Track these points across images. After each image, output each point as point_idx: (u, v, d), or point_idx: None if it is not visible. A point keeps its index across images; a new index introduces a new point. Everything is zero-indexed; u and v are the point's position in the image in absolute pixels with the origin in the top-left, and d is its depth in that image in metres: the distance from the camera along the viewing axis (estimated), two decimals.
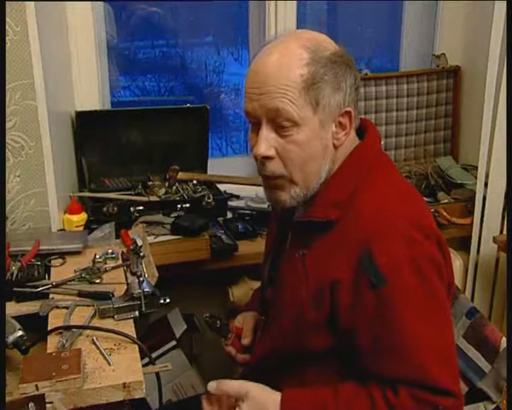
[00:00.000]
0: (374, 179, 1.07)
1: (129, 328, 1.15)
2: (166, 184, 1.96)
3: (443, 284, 1.03)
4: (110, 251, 1.46)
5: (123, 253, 1.46)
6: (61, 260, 1.45)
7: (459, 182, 2.18)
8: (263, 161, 1.06)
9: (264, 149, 1.04)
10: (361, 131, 1.13)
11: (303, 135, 1.02)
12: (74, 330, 1.13)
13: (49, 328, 1.14)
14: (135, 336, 1.12)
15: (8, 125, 1.55)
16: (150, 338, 1.79)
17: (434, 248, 1.03)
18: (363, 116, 1.17)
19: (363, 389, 1.02)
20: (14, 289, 1.28)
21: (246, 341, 1.29)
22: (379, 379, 1.01)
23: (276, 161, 1.05)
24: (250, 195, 2.10)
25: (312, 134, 1.03)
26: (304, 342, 1.09)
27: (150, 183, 1.93)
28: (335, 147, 1.07)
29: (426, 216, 1.08)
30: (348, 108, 1.05)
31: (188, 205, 1.85)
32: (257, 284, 1.52)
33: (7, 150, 1.57)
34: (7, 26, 1.48)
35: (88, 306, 1.23)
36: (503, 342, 1.25)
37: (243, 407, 1.06)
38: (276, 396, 1.05)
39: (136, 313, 1.18)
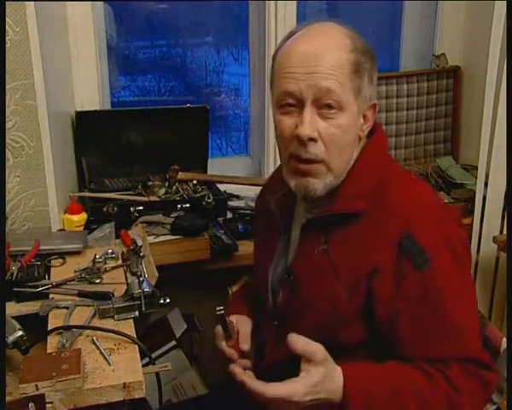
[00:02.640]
0: (394, 171, 1.13)
1: (129, 328, 1.15)
2: (166, 184, 1.96)
3: (469, 259, 1.09)
4: (110, 251, 1.46)
5: (123, 253, 1.46)
6: (61, 260, 1.45)
7: (459, 182, 2.18)
8: (306, 142, 1.03)
9: (310, 130, 1.02)
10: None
11: (345, 120, 1.03)
12: (74, 330, 1.13)
13: (49, 328, 1.14)
14: (135, 336, 1.12)
15: (8, 125, 1.55)
16: (150, 338, 1.79)
17: (459, 228, 1.09)
18: None
19: (413, 366, 1.01)
20: (14, 289, 1.28)
21: (245, 346, 1.24)
22: (426, 361, 1.02)
23: (319, 145, 1.04)
24: (250, 195, 2.10)
25: (352, 120, 1.04)
26: (336, 337, 1.07)
27: (150, 183, 1.93)
28: (359, 138, 1.09)
29: (441, 199, 1.17)
30: (375, 101, 1.09)
31: (188, 205, 1.85)
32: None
33: (7, 150, 1.57)
34: (7, 26, 1.48)
35: (88, 306, 1.23)
36: (504, 342, 1.25)
37: (315, 373, 0.98)
38: (337, 367, 1.00)
39: (136, 313, 1.18)
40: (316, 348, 1.00)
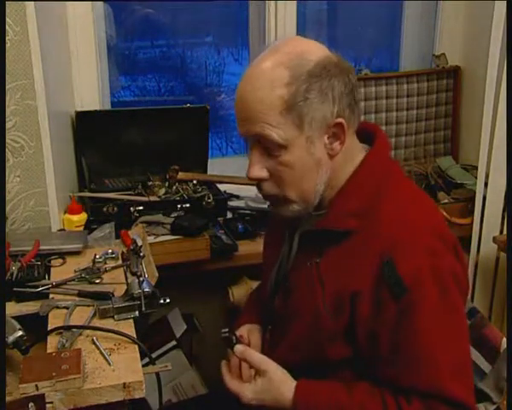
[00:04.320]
0: (392, 189, 1.06)
1: (129, 328, 1.15)
2: (166, 184, 1.96)
3: (461, 296, 1.04)
4: (110, 251, 1.46)
5: (123, 253, 1.46)
6: (61, 260, 1.45)
7: (459, 182, 2.18)
8: (256, 182, 1.06)
9: (256, 171, 1.04)
10: (367, 135, 1.11)
11: (290, 156, 1.01)
12: (74, 330, 1.13)
13: (49, 328, 1.14)
14: (135, 336, 1.12)
15: (8, 125, 1.55)
16: (150, 338, 1.79)
17: (454, 259, 1.03)
18: (371, 121, 1.14)
19: (377, 392, 1.02)
20: (14, 289, 1.28)
21: None
22: (394, 388, 1.01)
23: (270, 182, 1.05)
24: (250, 195, 2.10)
25: (301, 152, 1.01)
26: (319, 353, 1.08)
27: (150, 183, 1.93)
28: (331, 156, 1.04)
29: (443, 224, 1.08)
30: (338, 120, 1.01)
31: (188, 205, 1.85)
32: (257, 285, 1.52)
33: (7, 150, 1.57)
34: (7, 26, 1.48)
35: (88, 306, 1.23)
36: (504, 342, 1.25)
37: (258, 382, 1.08)
38: (292, 383, 1.06)
39: (136, 313, 1.18)
40: (259, 359, 1.08)
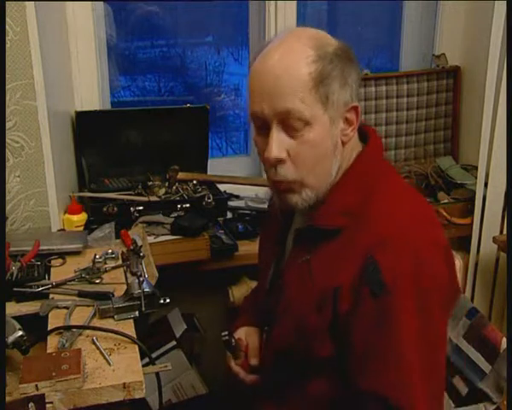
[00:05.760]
0: (383, 188, 1.06)
1: (129, 328, 1.15)
2: (166, 184, 1.96)
3: (440, 305, 1.01)
4: (110, 251, 1.46)
5: (123, 253, 1.46)
6: (61, 260, 1.45)
7: (459, 182, 2.18)
8: (274, 164, 1.03)
9: (277, 151, 1.01)
10: (362, 136, 1.12)
11: (315, 134, 1.00)
12: (74, 330, 1.13)
13: (49, 328, 1.14)
14: (135, 336, 1.12)
15: (8, 125, 1.55)
16: (150, 338, 1.79)
17: (441, 264, 1.01)
18: (371, 121, 1.15)
19: None
20: (14, 289, 1.28)
21: (254, 361, 1.24)
22: (357, 390, 0.99)
23: (288, 165, 1.03)
24: (250, 195, 2.10)
25: (324, 132, 1.01)
26: (306, 350, 1.07)
27: (150, 183, 1.93)
28: (343, 143, 1.05)
29: (434, 225, 1.06)
30: (355, 104, 1.04)
31: (188, 205, 1.85)
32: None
33: (7, 150, 1.57)
34: (7, 26, 1.48)
35: (88, 306, 1.23)
36: (504, 342, 1.25)
37: None
38: None
39: (136, 313, 1.18)
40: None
